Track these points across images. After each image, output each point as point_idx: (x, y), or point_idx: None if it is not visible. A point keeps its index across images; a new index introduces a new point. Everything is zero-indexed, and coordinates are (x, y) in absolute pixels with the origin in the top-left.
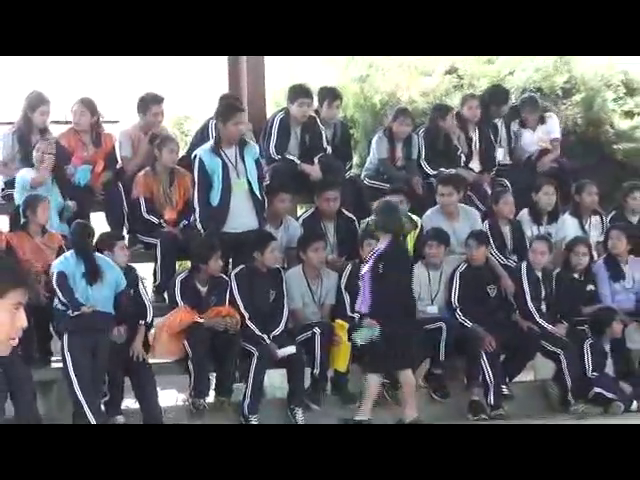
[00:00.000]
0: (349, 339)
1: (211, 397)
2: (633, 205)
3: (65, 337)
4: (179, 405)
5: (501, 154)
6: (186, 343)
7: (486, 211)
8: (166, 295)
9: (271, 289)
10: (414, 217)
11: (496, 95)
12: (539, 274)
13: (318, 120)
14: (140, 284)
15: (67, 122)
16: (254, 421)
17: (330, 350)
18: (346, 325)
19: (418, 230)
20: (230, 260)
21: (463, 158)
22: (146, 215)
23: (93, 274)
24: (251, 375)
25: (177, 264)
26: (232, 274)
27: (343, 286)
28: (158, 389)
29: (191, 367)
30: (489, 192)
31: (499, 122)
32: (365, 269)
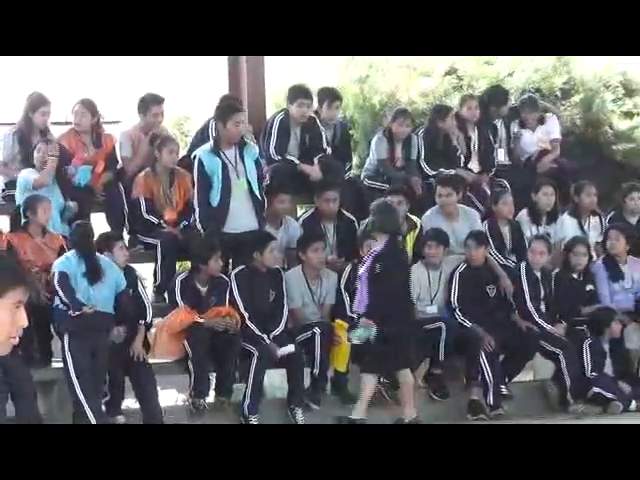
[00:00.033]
0: (349, 339)
1: (211, 397)
2: (632, 206)
3: (66, 337)
4: (179, 405)
5: (501, 155)
6: (186, 343)
7: (485, 211)
8: (166, 295)
9: (271, 289)
10: (413, 217)
11: (495, 96)
12: (538, 274)
13: (318, 121)
14: (139, 284)
15: (67, 123)
16: (254, 421)
17: (330, 350)
18: (346, 325)
19: (417, 230)
20: (230, 260)
21: (462, 159)
22: (146, 215)
23: (94, 274)
24: (251, 375)
25: (177, 264)
26: (232, 274)
27: (343, 286)
28: (158, 389)
29: (191, 367)
30: (488, 192)
31: (498, 123)
32: (362, 269)
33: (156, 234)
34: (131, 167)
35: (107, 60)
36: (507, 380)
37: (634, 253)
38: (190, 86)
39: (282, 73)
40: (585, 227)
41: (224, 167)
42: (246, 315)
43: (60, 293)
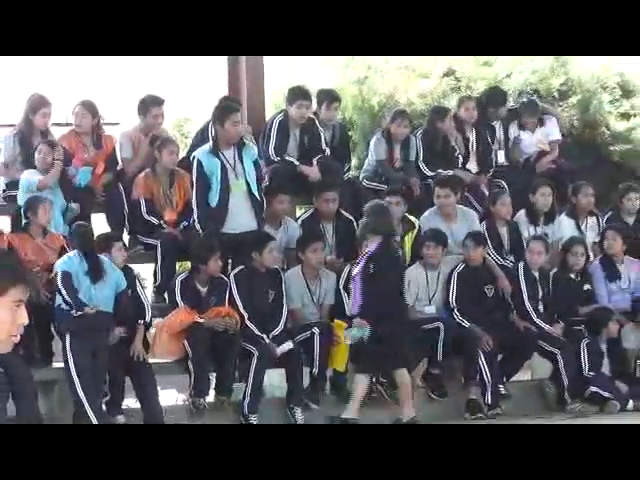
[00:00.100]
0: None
1: (211, 396)
2: (629, 206)
3: (67, 337)
4: (179, 404)
5: (501, 157)
6: (186, 343)
7: (483, 212)
8: (166, 296)
9: (270, 289)
10: (412, 218)
11: (494, 97)
12: (536, 274)
13: (317, 122)
14: (138, 284)
15: (68, 124)
16: (254, 420)
17: (329, 350)
18: (345, 325)
19: (416, 231)
20: (229, 261)
21: (460, 159)
22: (146, 216)
23: (96, 273)
24: (251, 375)
25: (177, 265)
26: (231, 274)
27: (342, 286)
28: (158, 389)
29: (191, 367)
30: (486, 193)
31: (497, 124)
32: (356, 270)
33: (156, 235)
34: (131, 168)
35: (107, 61)
36: (505, 379)
37: (631, 253)
38: (190, 88)
39: (281, 74)
40: (582, 227)
41: (223, 168)
42: (245, 315)
43: (63, 292)
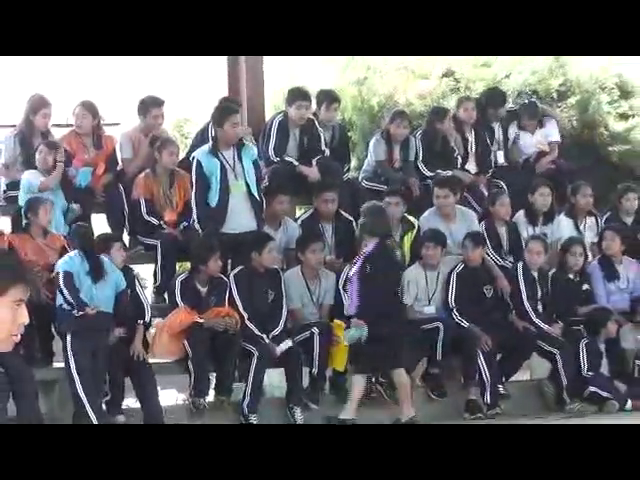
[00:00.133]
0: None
1: (211, 396)
2: (627, 206)
3: (68, 337)
4: (179, 404)
5: (500, 157)
6: (186, 343)
7: (483, 212)
8: (166, 296)
9: (270, 289)
10: (411, 218)
11: (493, 98)
12: (535, 274)
13: (316, 122)
14: (137, 284)
15: (68, 125)
16: (254, 420)
17: (329, 350)
18: (344, 325)
19: (415, 231)
20: (229, 261)
21: (460, 160)
22: (146, 216)
23: (98, 272)
24: (251, 374)
25: (177, 265)
26: (231, 275)
27: (341, 287)
28: (158, 389)
29: (191, 367)
30: (485, 194)
31: (496, 125)
32: (353, 271)
33: (156, 235)
34: (131, 168)
35: (107, 62)
36: (504, 379)
37: (629, 253)
38: (190, 89)
39: (281, 75)
40: (581, 228)
41: (222, 168)
42: (245, 315)
43: (65, 292)
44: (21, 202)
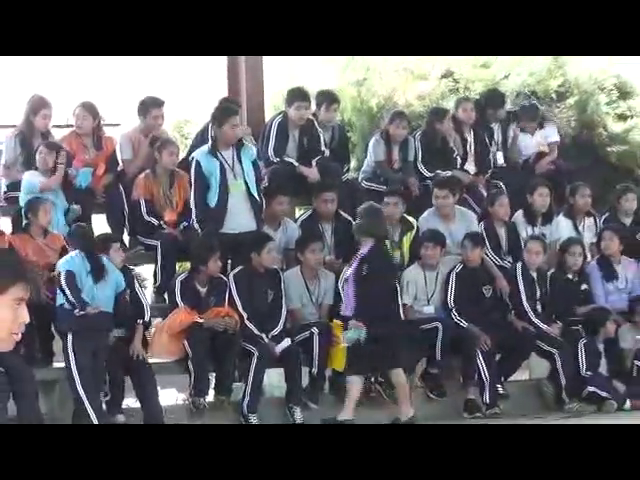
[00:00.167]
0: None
1: (211, 396)
2: (626, 207)
3: (69, 336)
4: (179, 404)
5: (500, 159)
6: (186, 343)
7: (482, 213)
8: (166, 296)
9: (269, 289)
10: (410, 219)
11: (492, 99)
12: (534, 274)
13: (316, 123)
14: (137, 284)
15: (68, 126)
16: (253, 419)
17: (328, 350)
18: (343, 325)
19: (414, 231)
20: (229, 261)
21: (459, 160)
22: (146, 217)
23: (99, 272)
24: (251, 374)
25: (177, 265)
26: (230, 275)
27: (340, 287)
28: (158, 388)
29: (191, 367)
30: (484, 194)
31: (495, 126)
32: (349, 272)
33: (156, 235)
34: (131, 169)
35: (108, 63)
36: (503, 379)
37: (628, 254)
38: (190, 89)
39: (281, 76)
40: (580, 228)
41: (221, 168)
42: (245, 315)
43: (67, 292)
44: (22, 203)
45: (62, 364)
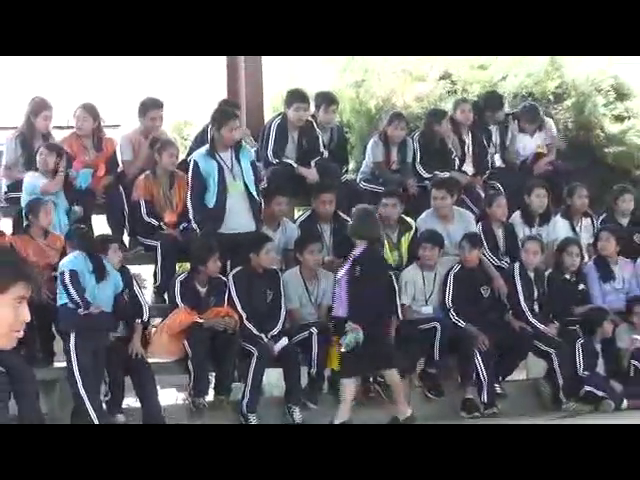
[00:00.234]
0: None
1: (210, 396)
2: (623, 207)
3: (72, 336)
4: (179, 404)
5: (497, 160)
6: (186, 343)
7: (479, 214)
8: (166, 296)
9: (268, 290)
10: (408, 219)
11: (491, 101)
12: (532, 274)
13: (315, 124)
14: (135, 283)
15: (69, 127)
16: (253, 419)
17: (327, 350)
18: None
19: (413, 232)
20: (228, 261)
21: (457, 162)
22: (146, 218)
23: (100, 272)
24: (250, 374)
25: (177, 265)
26: (230, 275)
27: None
28: (158, 388)
29: (191, 367)
30: (482, 195)
31: (494, 128)
32: (341, 273)
33: (156, 236)
34: (131, 170)
35: (108, 65)
36: (501, 379)
37: (625, 254)
38: (190, 91)
39: (280, 77)
40: (577, 229)
41: (220, 169)
42: (244, 315)
43: (71, 291)
44: (23, 204)
45: (63, 364)
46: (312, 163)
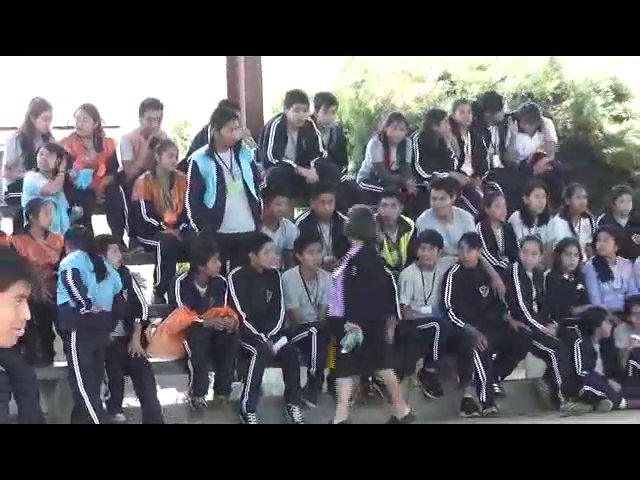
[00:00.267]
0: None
1: (210, 395)
2: (622, 208)
3: (73, 335)
4: (179, 403)
5: (496, 161)
6: (186, 343)
7: (478, 214)
8: (166, 296)
9: (268, 290)
10: (407, 219)
11: (490, 101)
12: (530, 274)
13: (314, 125)
14: (134, 283)
15: (69, 127)
16: (252, 418)
17: (326, 350)
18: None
19: (412, 232)
20: (228, 262)
21: (456, 162)
22: (146, 218)
23: (101, 271)
24: (250, 374)
25: (177, 265)
26: (229, 275)
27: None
28: (158, 387)
29: (191, 366)
30: (481, 195)
31: (493, 129)
32: (337, 273)
33: (156, 236)
34: (131, 170)
35: (108, 65)
36: (500, 378)
37: (623, 254)
38: (189, 91)
39: (279, 78)
40: (576, 229)
41: (219, 170)
42: (243, 315)
43: (74, 290)
44: (23, 204)
45: (63, 364)
46: (311, 163)
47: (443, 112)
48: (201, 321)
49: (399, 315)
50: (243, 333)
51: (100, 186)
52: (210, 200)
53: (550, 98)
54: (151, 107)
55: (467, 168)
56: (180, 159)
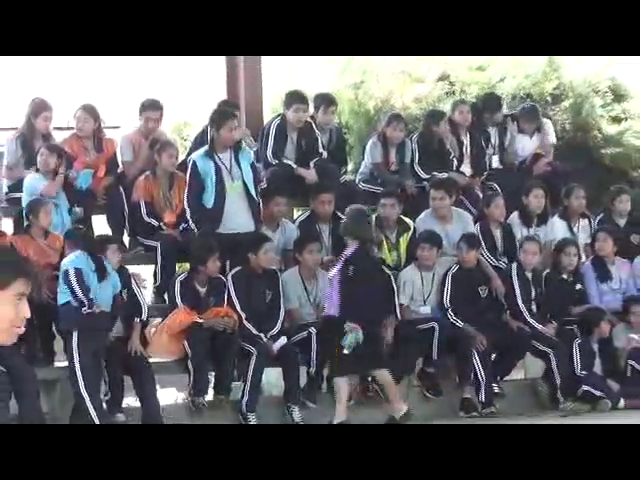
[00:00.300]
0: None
1: (210, 395)
2: (620, 208)
3: (75, 335)
4: (179, 403)
5: (495, 162)
6: (186, 343)
7: (477, 214)
8: (166, 296)
9: (267, 290)
10: (407, 220)
11: (489, 102)
12: (529, 275)
13: (314, 125)
14: (134, 282)
15: (69, 128)
16: (252, 418)
17: (327, 349)
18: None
19: (411, 232)
20: (228, 262)
21: (455, 162)
22: (146, 218)
23: (102, 272)
24: (249, 373)
25: (177, 266)
26: (229, 275)
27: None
28: (157, 387)
29: (191, 366)
30: (480, 196)
31: (492, 130)
32: (333, 273)
33: (156, 236)
34: (132, 171)
35: (108, 66)
36: (499, 378)
37: (622, 254)
38: (189, 92)
39: (279, 78)
40: (574, 229)
41: (218, 170)
42: (243, 315)
43: (76, 289)
44: (24, 204)
45: (63, 363)
46: (311, 164)
47: (442, 113)
48: (201, 321)
49: (398, 315)
50: (243, 333)
51: (100, 187)
52: (209, 200)
53: (549, 99)
54: (151, 108)
55: (466, 169)
56: (180, 160)
